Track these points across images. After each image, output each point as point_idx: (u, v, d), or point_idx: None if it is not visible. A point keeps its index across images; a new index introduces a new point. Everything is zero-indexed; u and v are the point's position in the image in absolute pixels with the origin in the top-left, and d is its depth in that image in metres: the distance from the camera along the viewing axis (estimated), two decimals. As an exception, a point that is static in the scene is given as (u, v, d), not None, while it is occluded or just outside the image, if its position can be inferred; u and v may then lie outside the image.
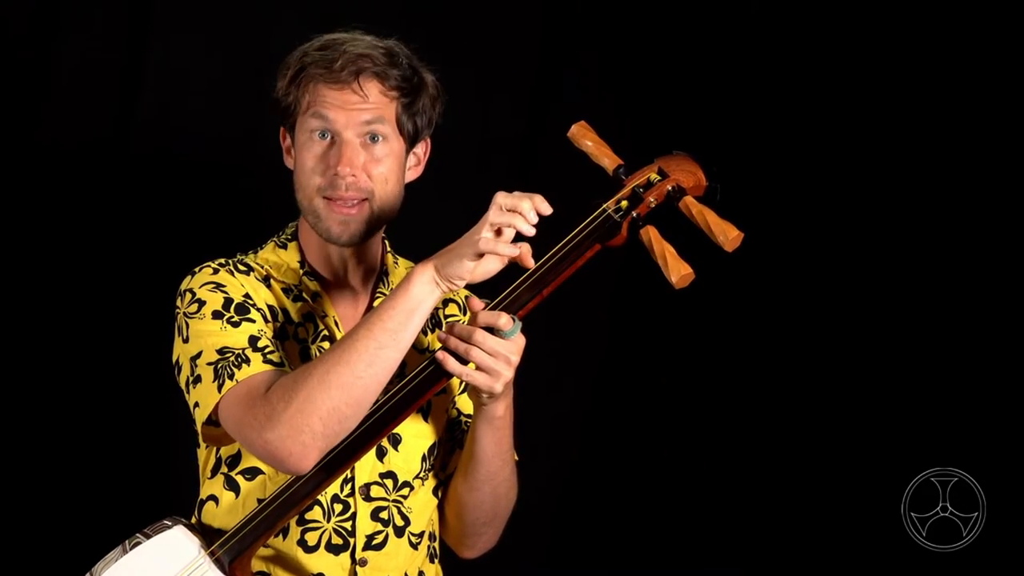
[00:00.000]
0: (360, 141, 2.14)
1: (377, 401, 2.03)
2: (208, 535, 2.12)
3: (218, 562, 2.06)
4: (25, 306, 3.08)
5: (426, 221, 2.28)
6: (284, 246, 2.26)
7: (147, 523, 2.11)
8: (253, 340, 2.07)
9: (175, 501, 2.35)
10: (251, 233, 2.35)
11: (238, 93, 3.09)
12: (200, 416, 2.06)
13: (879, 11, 3.38)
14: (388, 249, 2.31)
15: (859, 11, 3.39)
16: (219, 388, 2.03)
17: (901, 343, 3.41)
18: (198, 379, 2.06)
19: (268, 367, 2.04)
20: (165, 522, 2.11)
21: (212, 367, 2.05)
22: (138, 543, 2.08)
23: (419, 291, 1.96)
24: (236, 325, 2.09)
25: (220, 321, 2.09)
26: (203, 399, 2.05)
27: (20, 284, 3.08)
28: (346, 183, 2.12)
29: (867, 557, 3.38)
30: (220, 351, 2.06)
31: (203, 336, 2.08)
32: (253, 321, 2.10)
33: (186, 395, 2.12)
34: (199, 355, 2.07)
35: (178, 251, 2.44)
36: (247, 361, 2.04)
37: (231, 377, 2.02)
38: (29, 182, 3.07)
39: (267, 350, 2.07)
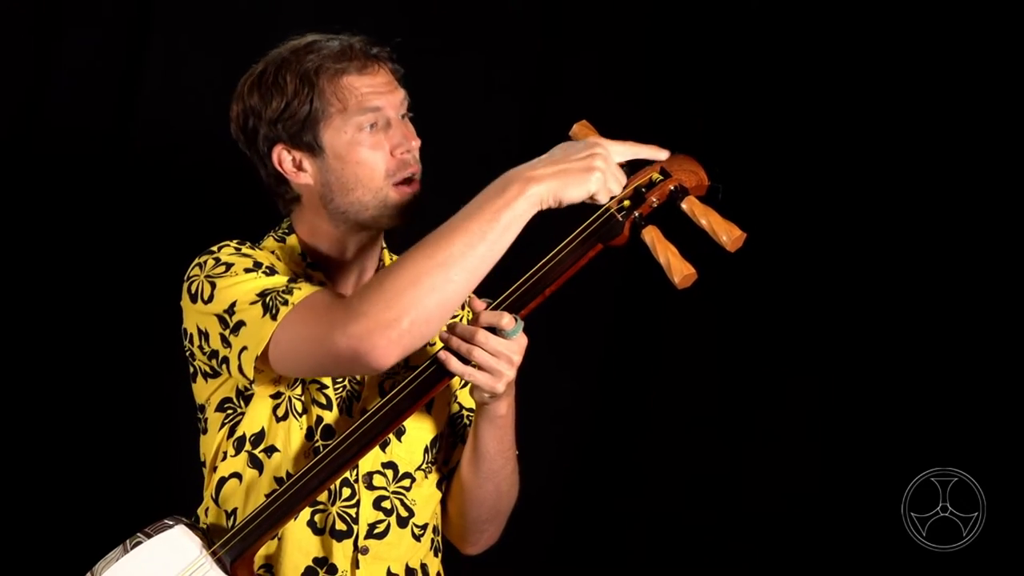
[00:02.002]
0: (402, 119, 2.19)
1: (379, 401, 2.04)
2: (210, 534, 2.13)
3: (219, 562, 2.06)
4: (25, 306, 3.09)
5: (426, 221, 2.28)
6: (283, 240, 2.27)
7: (148, 522, 2.11)
8: (293, 279, 2.08)
9: (177, 500, 2.35)
10: (253, 229, 2.34)
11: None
12: (250, 357, 2.03)
13: (880, 10, 3.38)
14: (384, 245, 2.33)
15: (860, 9, 3.39)
16: (274, 317, 2.00)
17: (901, 343, 3.40)
18: (240, 324, 2.04)
19: (319, 287, 2.04)
20: (166, 521, 2.11)
21: (257, 304, 2.02)
22: (139, 543, 2.08)
23: (524, 208, 1.92)
24: (269, 275, 2.08)
25: (253, 273, 2.08)
26: (253, 337, 2.02)
27: (20, 283, 3.08)
28: (412, 157, 2.16)
29: (867, 557, 3.37)
30: (260, 293, 2.04)
31: (234, 287, 2.06)
32: (284, 275, 2.10)
33: (223, 351, 2.08)
34: (234, 304, 2.05)
35: (179, 250, 2.43)
36: (297, 288, 2.02)
37: (285, 304, 2.00)
38: (30, 181, 3.08)
39: (311, 284, 2.07)
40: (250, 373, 2.05)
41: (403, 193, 2.16)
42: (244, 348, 2.04)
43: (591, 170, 1.93)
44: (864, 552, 3.38)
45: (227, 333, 2.06)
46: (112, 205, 3.13)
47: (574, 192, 1.93)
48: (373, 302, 1.89)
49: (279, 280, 2.07)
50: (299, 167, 2.20)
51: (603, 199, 1.96)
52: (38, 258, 3.09)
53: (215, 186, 3.17)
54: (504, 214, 1.91)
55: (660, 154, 2.03)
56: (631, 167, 2.04)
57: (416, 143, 2.17)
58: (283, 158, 2.20)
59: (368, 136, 2.15)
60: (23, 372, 3.09)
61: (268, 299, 2.02)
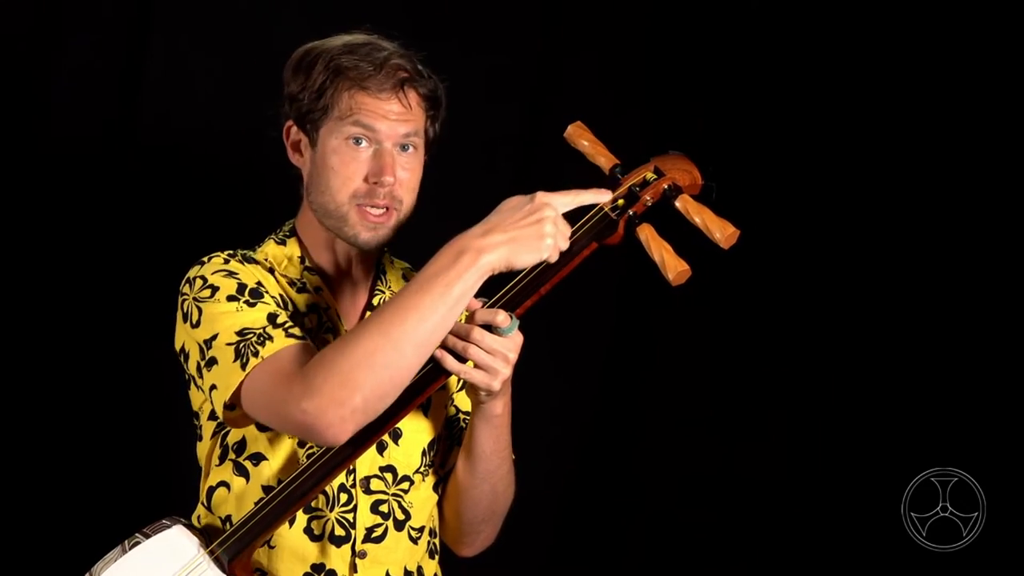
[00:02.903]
0: (396, 150, 2.17)
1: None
2: (208, 533, 2.13)
3: (217, 561, 2.06)
4: (26, 305, 3.08)
5: (425, 221, 2.28)
6: (283, 242, 2.28)
7: (147, 523, 2.11)
8: (272, 317, 2.08)
9: (175, 501, 2.35)
10: (254, 230, 2.35)
11: (240, 90, 3.10)
12: (219, 398, 2.05)
13: (879, 10, 3.38)
14: (385, 249, 2.32)
15: (859, 9, 3.39)
16: (243, 366, 2.02)
17: (900, 343, 3.40)
18: (213, 361, 2.06)
19: (292, 341, 2.04)
20: (164, 522, 2.11)
21: (232, 347, 2.04)
22: (137, 543, 2.08)
23: (474, 279, 1.93)
24: (252, 306, 2.09)
25: (236, 303, 2.09)
26: (223, 380, 2.04)
27: (21, 282, 3.08)
28: (384, 192, 2.15)
29: (867, 557, 3.37)
30: (239, 332, 2.05)
31: (218, 318, 2.08)
32: (268, 304, 2.10)
33: (197, 380, 2.11)
34: (214, 337, 2.07)
35: (179, 248, 2.44)
36: (270, 338, 2.03)
37: (255, 355, 2.01)
38: (31, 180, 3.08)
39: (287, 326, 2.07)
40: (220, 413, 2.08)
41: (365, 218, 2.17)
42: (214, 387, 2.07)
43: (542, 237, 1.95)
44: (864, 552, 3.38)
45: (203, 364, 2.08)
46: (113, 206, 3.12)
47: (526, 259, 1.95)
48: (326, 378, 1.91)
49: (259, 316, 2.07)
50: (296, 148, 2.25)
51: (553, 260, 1.98)
52: (39, 259, 3.09)
53: (216, 185, 3.17)
54: (456, 287, 1.92)
55: (603, 196, 2.04)
56: (624, 168, 2.04)
57: (390, 179, 2.15)
58: (290, 132, 2.26)
59: (349, 150, 2.16)
60: (23, 372, 3.08)
61: (242, 345, 2.04)
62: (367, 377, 1.90)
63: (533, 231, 1.94)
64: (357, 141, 2.15)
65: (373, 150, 2.16)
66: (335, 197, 2.16)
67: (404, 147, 2.18)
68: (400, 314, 1.91)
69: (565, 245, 1.98)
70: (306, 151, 2.23)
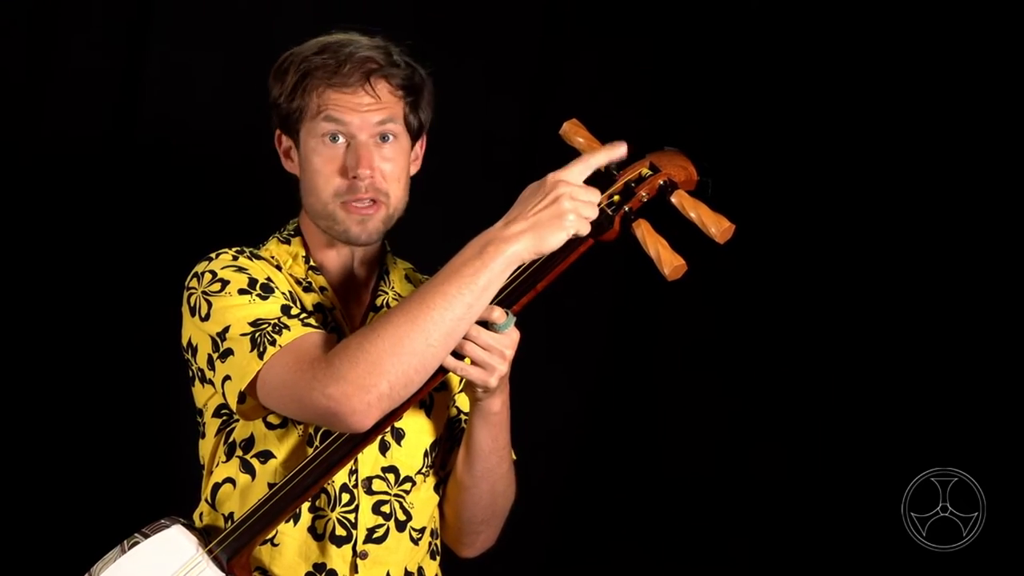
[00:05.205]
0: (372, 142, 2.17)
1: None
2: (207, 533, 2.13)
3: (216, 560, 2.06)
4: (26, 306, 3.09)
5: (426, 221, 2.28)
6: (287, 242, 2.28)
7: (146, 523, 2.11)
8: (286, 309, 2.08)
9: (175, 501, 2.35)
10: (254, 229, 2.36)
11: (240, 90, 3.10)
12: (233, 388, 2.05)
13: (879, 9, 3.39)
14: (388, 249, 2.33)
15: (859, 9, 3.40)
16: (260, 356, 2.01)
17: (900, 343, 3.41)
18: (228, 352, 2.05)
19: (310, 329, 2.04)
20: (163, 521, 2.11)
21: (247, 337, 2.04)
22: (136, 543, 2.08)
23: (501, 267, 1.93)
24: (264, 299, 2.09)
25: (248, 296, 2.09)
26: (238, 370, 2.04)
27: (21, 281, 3.08)
28: (365, 185, 2.15)
29: (867, 557, 3.37)
30: (253, 323, 2.05)
31: (230, 310, 2.08)
32: (279, 298, 2.11)
33: (207, 373, 2.10)
34: (227, 329, 2.06)
35: (179, 248, 2.44)
36: (287, 327, 2.03)
37: (273, 344, 2.01)
38: (30, 179, 3.08)
39: (302, 316, 2.07)
40: (233, 405, 2.07)
41: (351, 212, 2.17)
42: (228, 377, 2.06)
43: (562, 215, 1.93)
44: (864, 552, 3.38)
45: (215, 356, 2.08)
46: (112, 205, 3.13)
47: (552, 241, 1.94)
48: (353, 365, 1.91)
49: (272, 308, 2.08)
50: (288, 155, 2.26)
51: (584, 232, 1.96)
52: (40, 259, 3.09)
53: (216, 185, 3.17)
54: (482, 275, 1.92)
55: (616, 151, 2.02)
56: (620, 164, 2.04)
57: (366, 171, 2.15)
58: (281, 140, 2.27)
59: (325, 148, 2.17)
60: (23, 372, 3.08)
61: (258, 334, 2.04)
62: (394, 363, 1.89)
63: (551, 211, 1.93)
64: (333, 138, 2.16)
65: (349, 144, 2.16)
66: (320, 197, 2.17)
67: (384, 137, 2.18)
68: (427, 302, 1.91)
69: (593, 213, 1.96)
70: (295, 156, 2.24)
